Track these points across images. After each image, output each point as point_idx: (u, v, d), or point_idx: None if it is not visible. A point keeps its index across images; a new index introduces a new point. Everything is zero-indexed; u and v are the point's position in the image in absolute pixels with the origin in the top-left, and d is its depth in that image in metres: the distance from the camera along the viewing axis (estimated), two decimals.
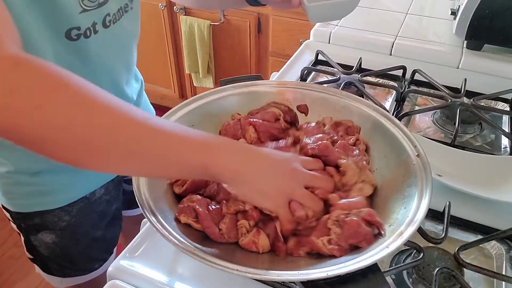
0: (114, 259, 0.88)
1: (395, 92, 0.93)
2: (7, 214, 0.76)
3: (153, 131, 0.43)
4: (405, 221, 0.48)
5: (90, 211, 0.78)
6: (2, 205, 0.75)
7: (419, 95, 0.95)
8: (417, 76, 0.95)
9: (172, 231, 0.47)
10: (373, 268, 0.44)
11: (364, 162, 0.59)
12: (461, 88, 0.90)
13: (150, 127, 0.43)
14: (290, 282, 0.54)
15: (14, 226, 0.77)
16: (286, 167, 0.51)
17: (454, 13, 1.09)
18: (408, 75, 0.97)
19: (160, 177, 0.55)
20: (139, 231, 0.63)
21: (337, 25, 1.17)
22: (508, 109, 0.90)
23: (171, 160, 0.45)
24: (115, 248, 0.90)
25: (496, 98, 0.91)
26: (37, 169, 0.69)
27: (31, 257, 0.81)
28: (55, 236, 0.76)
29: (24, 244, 0.80)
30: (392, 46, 1.09)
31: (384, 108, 0.72)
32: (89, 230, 0.80)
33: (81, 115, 0.40)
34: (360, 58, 0.99)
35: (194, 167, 0.46)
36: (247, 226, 0.51)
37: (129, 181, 0.89)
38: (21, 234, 0.78)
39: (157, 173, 0.49)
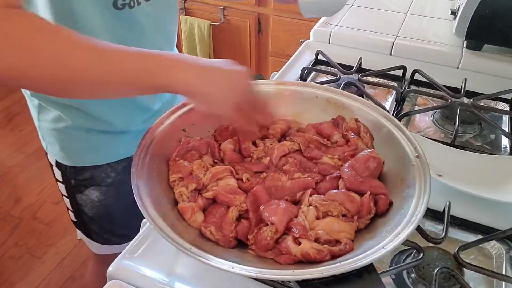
0: None
1: (395, 92, 0.93)
2: (58, 173, 0.82)
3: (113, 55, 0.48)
4: (402, 221, 0.48)
5: None
6: (56, 162, 0.81)
7: (419, 95, 0.95)
8: (417, 76, 0.95)
9: (172, 231, 0.47)
10: (369, 269, 0.44)
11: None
12: (461, 88, 0.90)
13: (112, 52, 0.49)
14: (287, 281, 0.54)
15: (61, 187, 0.83)
16: (241, 82, 0.59)
17: (454, 13, 1.09)
18: (408, 75, 0.97)
19: (120, 95, 0.61)
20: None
21: (337, 25, 1.17)
22: (508, 109, 0.90)
23: (131, 81, 0.50)
24: None
25: (496, 98, 0.91)
26: (89, 126, 0.76)
27: (75, 220, 0.89)
28: (100, 193, 0.82)
29: (70, 206, 0.86)
30: (392, 46, 1.09)
31: (384, 108, 0.72)
32: (130, 190, 0.83)
33: (63, 52, 0.45)
34: (360, 58, 0.99)
35: (153, 87, 0.51)
36: (186, 193, 0.54)
37: None
38: (67, 195, 0.84)
39: (117, 92, 0.54)
